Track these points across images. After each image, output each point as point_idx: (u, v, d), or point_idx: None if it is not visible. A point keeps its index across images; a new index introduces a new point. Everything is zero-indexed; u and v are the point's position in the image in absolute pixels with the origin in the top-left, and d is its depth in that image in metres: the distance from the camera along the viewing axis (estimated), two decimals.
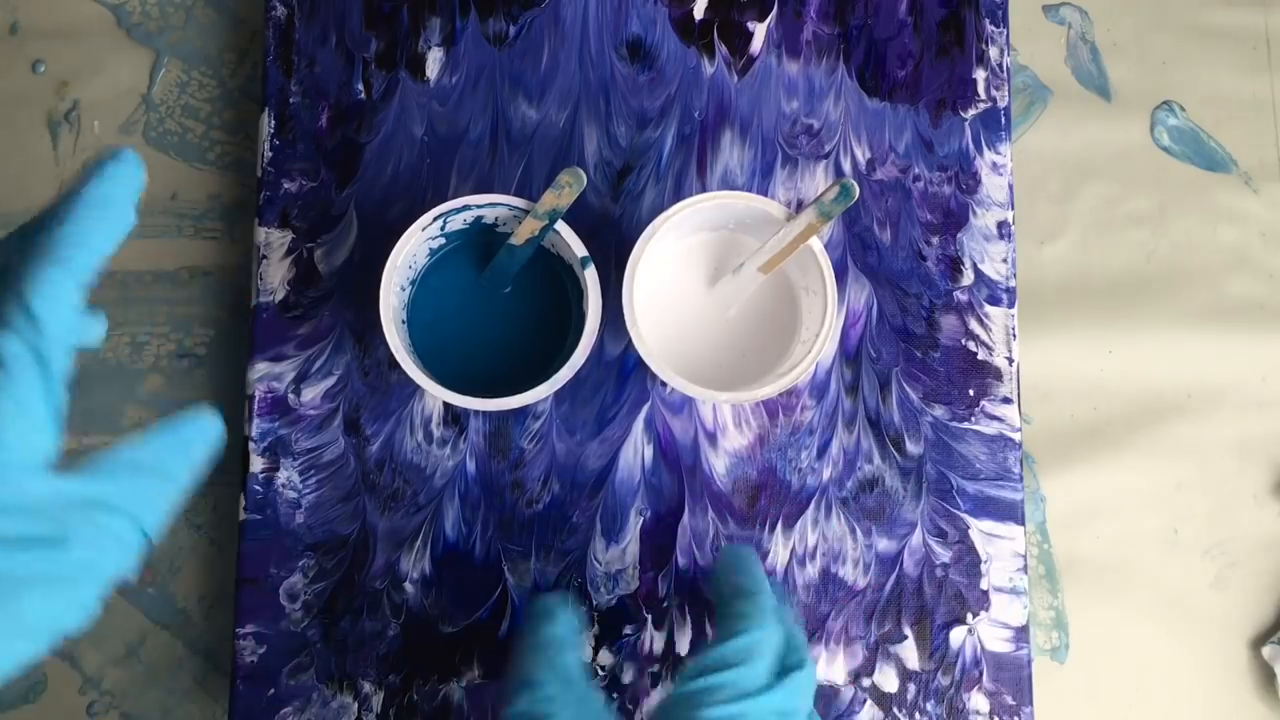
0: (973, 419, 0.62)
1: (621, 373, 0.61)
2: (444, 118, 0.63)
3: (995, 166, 0.64)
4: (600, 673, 0.60)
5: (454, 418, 0.60)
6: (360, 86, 0.63)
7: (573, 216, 0.56)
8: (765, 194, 0.63)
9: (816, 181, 0.63)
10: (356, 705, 0.59)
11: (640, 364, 0.58)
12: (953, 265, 0.63)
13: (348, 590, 0.59)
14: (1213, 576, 0.65)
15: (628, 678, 0.60)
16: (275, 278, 0.61)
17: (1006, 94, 0.64)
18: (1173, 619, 0.65)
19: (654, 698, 0.59)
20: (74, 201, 0.37)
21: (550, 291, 0.60)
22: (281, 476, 0.60)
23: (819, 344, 0.55)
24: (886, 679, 0.60)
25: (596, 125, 0.63)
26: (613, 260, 0.61)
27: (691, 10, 0.65)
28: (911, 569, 0.61)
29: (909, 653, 0.60)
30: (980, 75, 0.64)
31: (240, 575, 0.60)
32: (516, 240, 0.56)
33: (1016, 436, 0.61)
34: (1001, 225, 0.63)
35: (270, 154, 0.62)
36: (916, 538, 0.61)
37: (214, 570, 0.63)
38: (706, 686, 0.44)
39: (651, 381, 0.61)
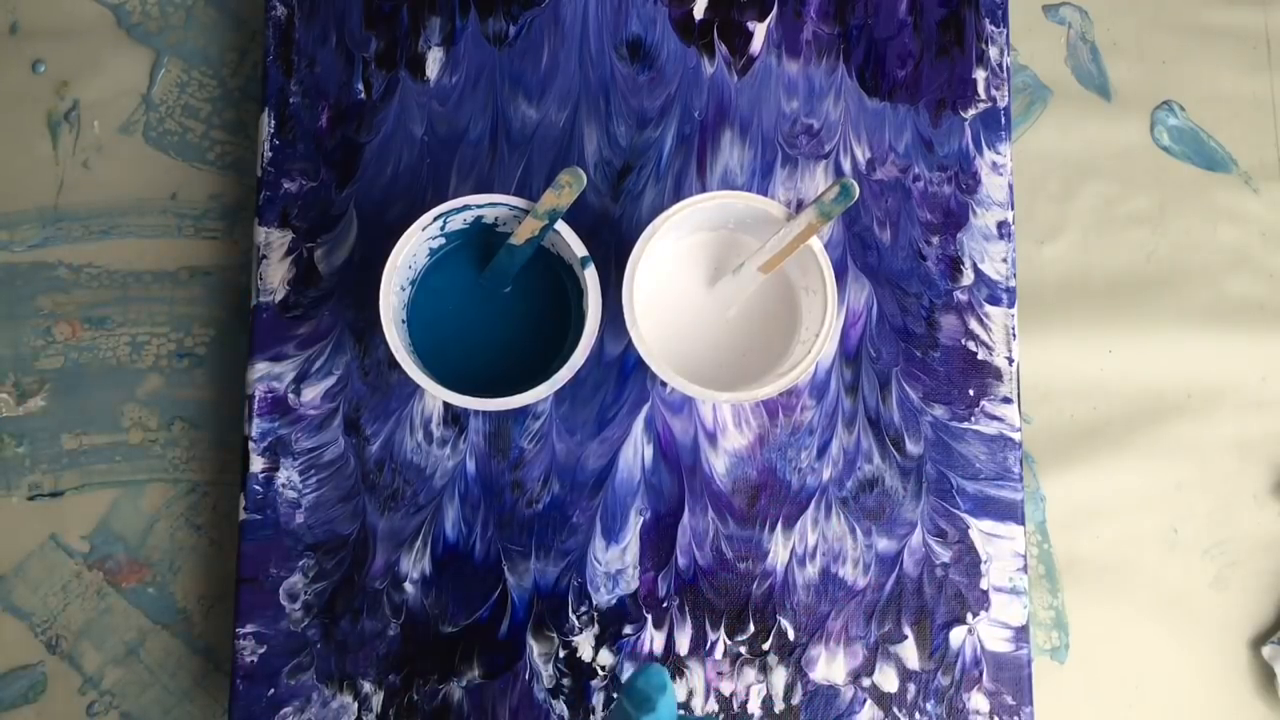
0: (973, 419, 0.62)
1: (621, 373, 0.61)
2: (444, 117, 0.63)
3: (995, 166, 0.64)
4: (600, 672, 0.60)
5: (454, 418, 0.60)
6: (360, 86, 0.63)
7: (573, 216, 0.56)
8: (765, 194, 0.63)
9: (816, 181, 0.63)
10: (356, 705, 0.59)
11: (640, 364, 0.58)
12: (953, 265, 0.63)
13: (348, 590, 0.59)
14: (1213, 576, 0.65)
15: (628, 677, 0.60)
16: (275, 277, 0.61)
17: (1006, 94, 0.64)
18: (1173, 619, 0.65)
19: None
20: None
21: (550, 291, 0.59)
22: (281, 476, 0.60)
23: (819, 344, 0.55)
24: (886, 679, 0.60)
25: (596, 125, 0.63)
26: (613, 260, 0.61)
27: (691, 10, 0.65)
28: (911, 569, 0.61)
29: (909, 652, 0.60)
30: (980, 75, 0.64)
31: (240, 575, 0.59)
32: (516, 240, 0.56)
33: (1016, 436, 0.61)
34: (1001, 225, 0.63)
35: (270, 154, 0.62)
36: (916, 537, 0.61)
37: (214, 570, 0.63)
38: None
39: (651, 381, 0.61)
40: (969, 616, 0.60)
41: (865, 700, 0.60)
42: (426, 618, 0.59)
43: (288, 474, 0.60)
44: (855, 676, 0.60)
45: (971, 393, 0.62)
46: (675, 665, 0.60)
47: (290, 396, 0.60)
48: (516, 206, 0.56)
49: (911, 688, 0.60)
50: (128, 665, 0.62)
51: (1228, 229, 0.68)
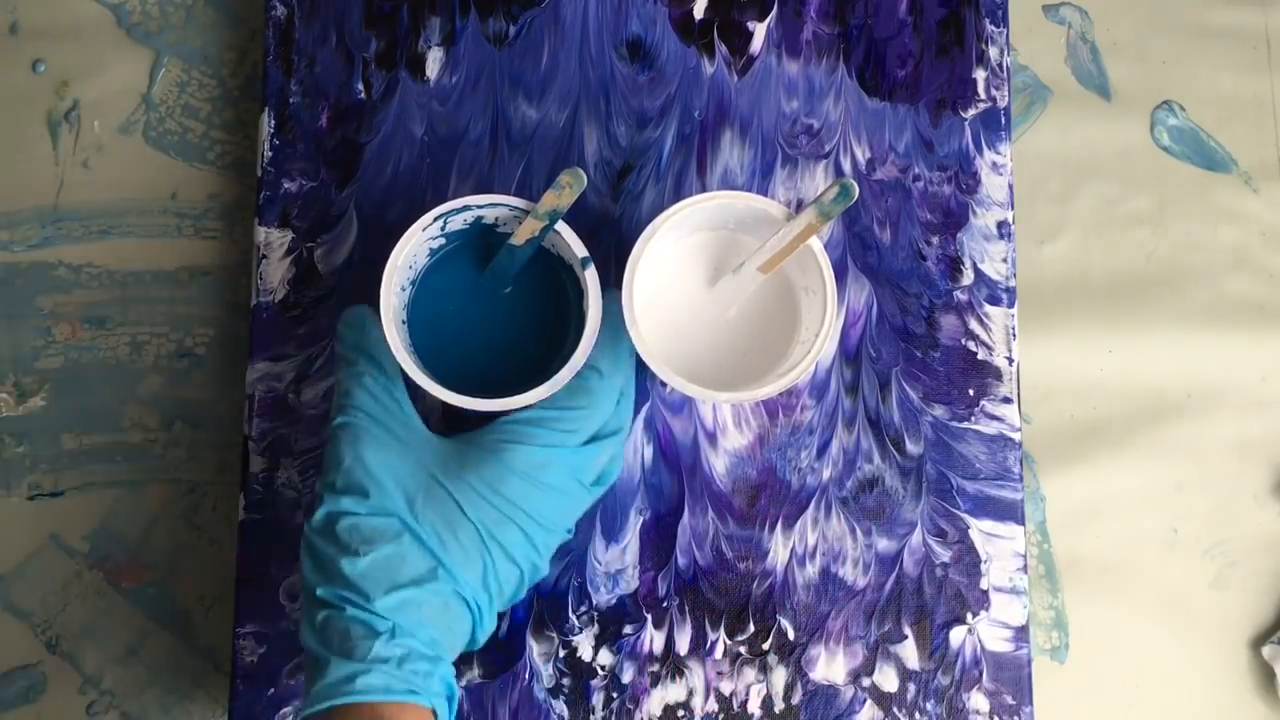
0: (973, 419, 0.62)
1: None
2: (444, 117, 0.63)
3: (995, 166, 0.64)
4: (600, 672, 0.60)
5: (454, 417, 0.60)
6: (360, 86, 0.63)
7: (573, 216, 0.56)
8: (765, 194, 0.63)
9: (816, 181, 0.63)
10: None
11: (640, 364, 0.58)
12: (952, 265, 0.63)
13: None
14: (1213, 576, 0.65)
15: (627, 677, 0.60)
16: (275, 277, 0.61)
17: (1006, 94, 0.64)
18: (1173, 619, 0.65)
19: (654, 697, 0.59)
20: None
21: (550, 292, 0.59)
22: (281, 476, 0.60)
23: (819, 344, 0.55)
24: (886, 679, 0.60)
25: (596, 125, 0.63)
26: (613, 260, 0.61)
27: (691, 10, 0.65)
28: (911, 569, 0.61)
29: (909, 652, 0.60)
30: (980, 75, 0.64)
31: (240, 575, 0.59)
32: (517, 240, 0.56)
33: (1016, 436, 0.61)
34: (1001, 225, 0.63)
35: (270, 154, 0.62)
36: (916, 537, 0.61)
37: (214, 570, 0.63)
38: (528, 431, 0.53)
39: (651, 381, 0.61)
40: (969, 616, 0.60)
41: (865, 700, 0.60)
42: None
43: (287, 474, 0.60)
44: (855, 676, 0.60)
45: (971, 393, 0.62)
46: (675, 665, 0.60)
47: (290, 396, 0.60)
48: (516, 207, 0.55)
49: (911, 687, 0.60)
50: (128, 665, 0.62)
51: (1228, 229, 0.68)
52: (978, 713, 0.60)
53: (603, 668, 0.60)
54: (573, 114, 0.63)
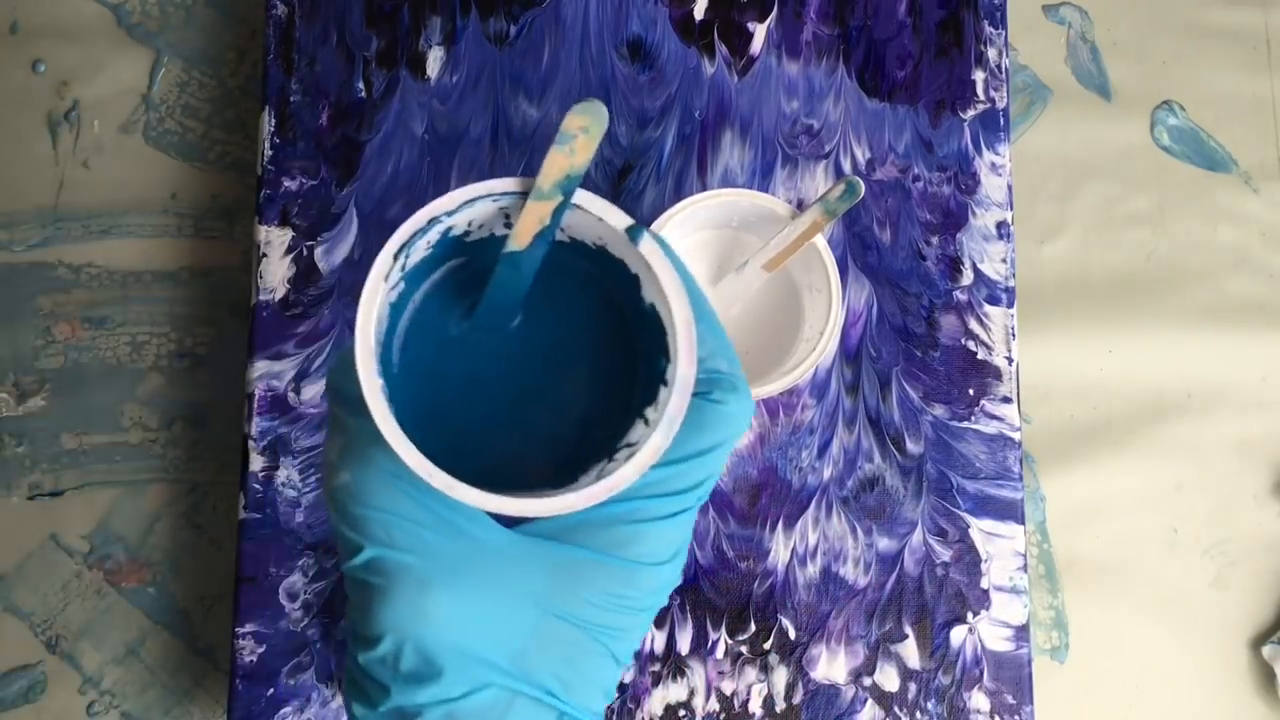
0: (973, 418, 0.62)
1: None
2: (444, 116, 0.63)
3: (994, 167, 0.64)
4: None
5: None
6: (361, 85, 0.63)
7: None
8: (766, 194, 0.63)
9: (817, 182, 0.63)
10: None
11: None
12: (952, 265, 0.63)
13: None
14: (1212, 576, 0.65)
15: (628, 677, 0.59)
16: (275, 276, 0.61)
17: (1005, 95, 0.64)
18: (1173, 619, 0.65)
19: (655, 697, 0.59)
20: None
21: (582, 300, 0.41)
22: (281, 475, 0.60)
23: (823, 342, 0.55)
24: (887, 678, 0.60)
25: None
26: None
27: (692, 10, 0.65)
28: (912, 568, 0.61)
29: (910, 652, 0.60)
30: (979, 76, 0.65)
31: (240, 575, 0.59)
32: (518, 243, 0.38)
33: (1016, 436, 0.61)
34: (1000, 225, 0.63)
35: (270, 152, 0.62)
36: (917, 537, 0.61)
37: (214, 570, 0.63)
38: (648, 505, 0.37)
39: None
40: (969, 616, 0.60)
41: (866, 700, 0.60)
42: None
43: (287, 473, 0.60)
44: (856, 676, 0.60)
45: (971, 392, 0.62)
46: (676, 664, 0.60)
47: (290, 395, 0.60)
48: (506, 193, 0.38)
49: (912, 687, 0.60)
50: (128, 665, 0.62)
51: (1228, 229, 0.68)
52: (978, 712, 0.60)
53: None
54: None
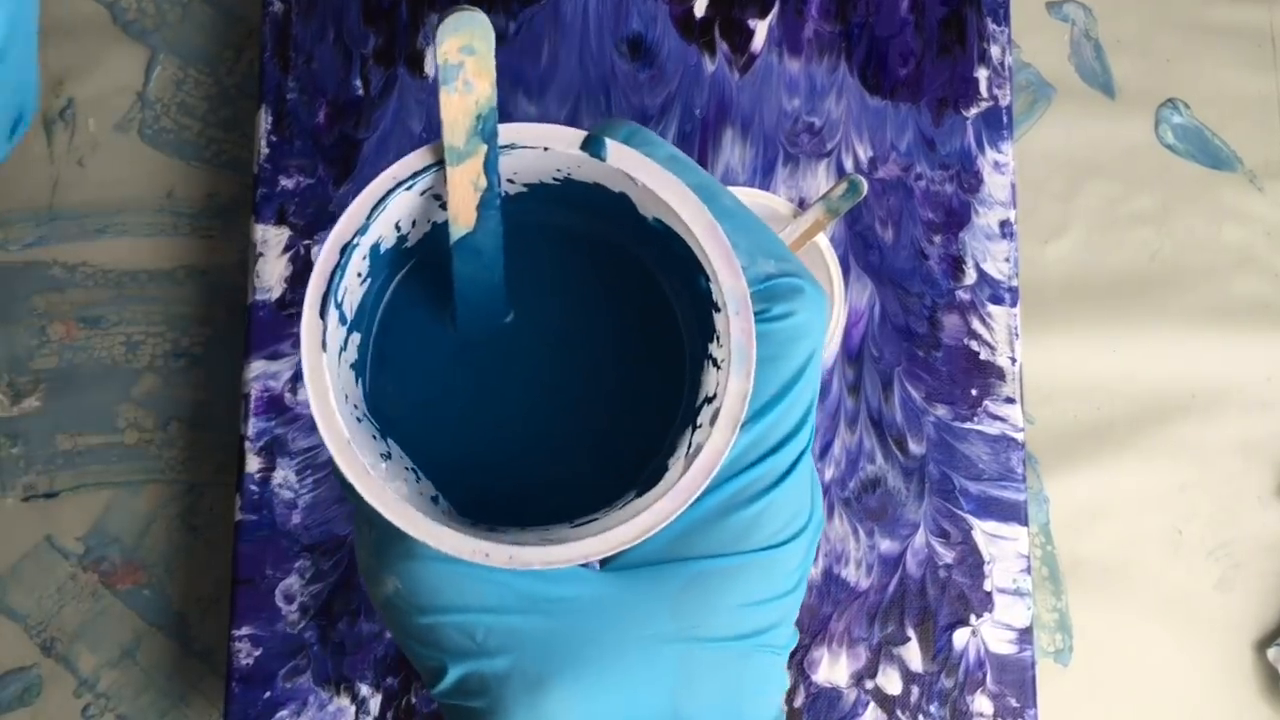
0: (975, 419, 0.61)
1: None
2: None
3: (997, 165, 0.63)
4: None
5: None
6: (358, 83, 0.63)
7: None
8: (767, 192, 0.62)
9: (818, 180, 0.63)
10: (354, 708, 0.58)
11: None
12: (955, 264, 0.62)
13: (345, 592, 0.59)
14: (1217, 578, 0.65)
15: None
16: (272, 275, 0.61)
17: (1008, 93, 0.64)
18: (1177, 621, 0.64)
19: None
20: None
21: (580, 259, 0.33)
22: (278, 476, 0.60)
23: (827, 340, 0.54)
24: (889, 681, 0.60)
25: (597, 122, 0.63)
26: None
27: (692, 8, 0.64)
28: (914, 570, 0.60)
29: (912, 654, 0.60)
30: (982, 74, 0.64)
31: (236, 577, 0.59)
32: (463, 223, 0.31)
33: (1019, 437, 0.61)
34: (1004, 224, 0.63)
35: (267, 150, 0.62)
36: (919, 538, 0.60)
37: (211, 572, 0.62)
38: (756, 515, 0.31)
39: None
40: (972, 618, 0.60)
41: (868, 703, 0.59)
42: None
43: (284, 474, 0.60)
44: (858, 679, 0.60)
45: (974, 393, 0.62)
46: None
47: (287, 395, 0.60)
48: (416, 172, 0.31)
49: (915, 690, 0.60)
50: (123, 668, 0.62)
51: (1233, 228, 0.67)
52: (981, 715, 0.59)
53: None
54: (573, 111, 0.63)
